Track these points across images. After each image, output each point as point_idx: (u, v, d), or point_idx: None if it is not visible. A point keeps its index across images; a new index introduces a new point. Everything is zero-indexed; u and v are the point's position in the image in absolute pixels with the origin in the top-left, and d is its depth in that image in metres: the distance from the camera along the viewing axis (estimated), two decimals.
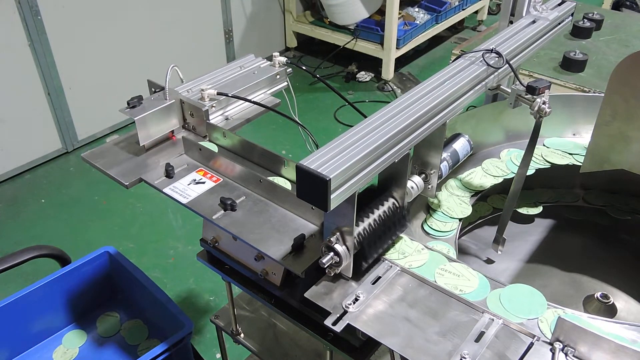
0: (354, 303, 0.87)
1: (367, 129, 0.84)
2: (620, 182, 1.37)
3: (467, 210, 1.19)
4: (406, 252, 0.97)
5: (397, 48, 3.64)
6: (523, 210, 1.41)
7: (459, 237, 1.14)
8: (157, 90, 1.22)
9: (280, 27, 4.08)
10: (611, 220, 1.42)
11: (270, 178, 1.05)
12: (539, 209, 1.42)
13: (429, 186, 1.06)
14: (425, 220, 1.16)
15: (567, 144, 1.35)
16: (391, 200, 0.95)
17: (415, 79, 3.85)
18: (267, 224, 0.98)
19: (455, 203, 1.21)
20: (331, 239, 0.86)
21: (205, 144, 1.15)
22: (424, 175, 1.04)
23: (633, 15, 3.55)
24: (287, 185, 1.07)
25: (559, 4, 1.34)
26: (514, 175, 1.23)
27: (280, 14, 4.02)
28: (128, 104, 1.14)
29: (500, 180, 1.27)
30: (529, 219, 1.44)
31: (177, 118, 1.20)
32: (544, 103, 1.02)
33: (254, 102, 1.24)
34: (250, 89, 1.26)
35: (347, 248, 0.87)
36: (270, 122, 2.86)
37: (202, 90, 1.19)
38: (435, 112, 0.94)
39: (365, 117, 0.89)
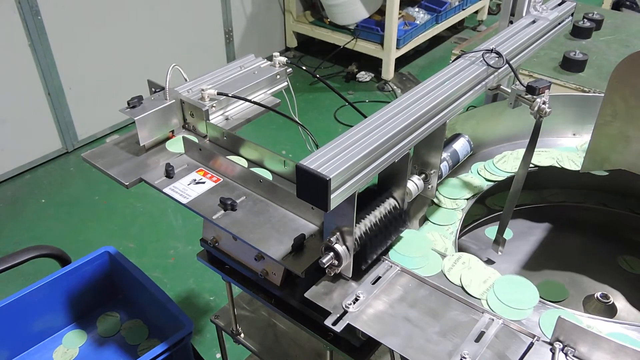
0: (354, 303, 0.87)
1: (367, 129, 0.84)
2: (620, 182, 1.37)
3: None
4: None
5: (397, 48, 3.64)
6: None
7: (459, 237, 1.14)
8: (157, 90, 1.22)
9: (280, 27, 4.08)
10: (611, 220, 1.42)
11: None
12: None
13: (429, 186, 1.06)
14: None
15: None
16: (391, 200, 0.95)
17: (415, 79, 3.85)
18: (267, 224, 0.98)
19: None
20: (331, 239, 0.86)
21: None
22: (424, 175, 1.04)
23: (633, 15, 3.55)
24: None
25: (559, 4, 1.34)
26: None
27: (280, 14, 4.02)
28: (128, 104, 1.14)
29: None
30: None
31: (177, 118, 1.20)
32: (544, 103, 1.02)
33: (254, 102, 1.24)
34: (251, 89, 1.26)
35: (347, 248, 0.87)
36: (271, 122, 2.85)
37: (203, 90, 1.19)
38: (435, 112, 0.94)
39: (365, 117, 0.89)
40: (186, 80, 1.24)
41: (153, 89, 1.23)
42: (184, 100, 1.18)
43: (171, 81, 1.16)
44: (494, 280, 0.93)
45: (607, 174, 1.22)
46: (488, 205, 1.40)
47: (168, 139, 1.19)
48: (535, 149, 1.31)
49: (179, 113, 1.20)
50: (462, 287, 0.92)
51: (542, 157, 1.31)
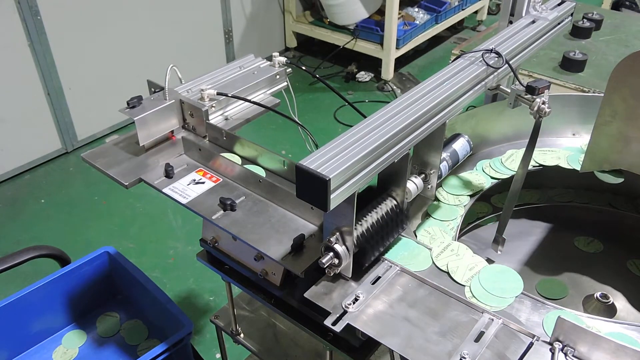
0: (354, 303, 0.87)
1: (367, 129, 0.84)
2: (628, 183, 1.37)
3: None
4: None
5: (396, 48, 3.64)
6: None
7: (459, 237, 1.14)
8: (156, 90, 1.22)
9: (280, 27, 4.08)
10: (616, 221, 1.42)
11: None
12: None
13: (429, 186, 1.06)
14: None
15: None
16: (391, 200, 0.95)
17: (415, 79, 3.85)
18: (266, 224, 0.98)
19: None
20: (331, 239, 0.86)
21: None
22: (423, 175, 1.05)
23: (633, 15, 3.55)
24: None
25: (559, 4, 1.34)
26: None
27: (280, 14, 4.02)
28: (128, 104, 1.14)
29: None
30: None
31: (176, 118, 1.20)
32: (543, 103, 1.02)
33: (254, 102, 1.24)
34: (250, 89, 1.26)
35: (347, 248, 0.87)
36: (270, 122, 2.86)
37: (202, 90, 1.19)
38: (435, 112, 0.94)
39: (365, 117, 0.89)
40: (181, 80, 1.24)
41: (153, 89, 1.23)
42: (184, 100, 1.18)
43: (171, 81, 1.16)
44: (480, 268, 0.94)
45: (621, 180, 1.22)
46: (493, 204, 1.41)
47: (168, 139, 1.19)
48: (541, 149, 1.32)
49: (178, 113, 1.20)
50: (448, 273, 0.93)
51: (548, 157, 1.31)
